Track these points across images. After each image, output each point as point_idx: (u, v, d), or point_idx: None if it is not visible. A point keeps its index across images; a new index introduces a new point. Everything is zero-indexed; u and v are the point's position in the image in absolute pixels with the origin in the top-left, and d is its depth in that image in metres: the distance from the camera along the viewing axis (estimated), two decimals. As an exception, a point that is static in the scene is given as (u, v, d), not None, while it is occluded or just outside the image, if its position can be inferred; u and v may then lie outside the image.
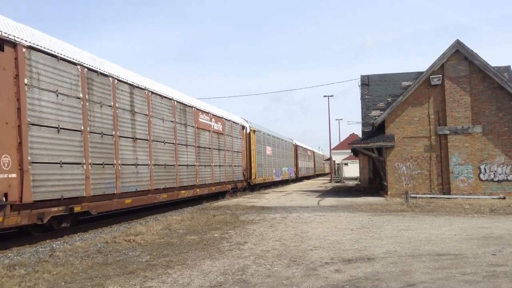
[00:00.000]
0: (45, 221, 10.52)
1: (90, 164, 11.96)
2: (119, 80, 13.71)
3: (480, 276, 6.31)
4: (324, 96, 53.46)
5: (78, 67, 11.79)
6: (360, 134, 28.95)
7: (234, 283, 6.26)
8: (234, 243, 9.49)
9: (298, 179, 50.83)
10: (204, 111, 21.34)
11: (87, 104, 12.03)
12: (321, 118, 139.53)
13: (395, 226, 11.63)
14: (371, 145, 21.80)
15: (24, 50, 9.99)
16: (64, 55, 11.34)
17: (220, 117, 23.61)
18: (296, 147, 49.55)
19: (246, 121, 28.99)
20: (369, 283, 6.07)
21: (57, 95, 10.96)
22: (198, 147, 20.04)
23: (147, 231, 11.39)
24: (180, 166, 17.84)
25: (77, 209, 11.58)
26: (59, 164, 10.83)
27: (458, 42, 20.47)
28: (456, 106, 20.59)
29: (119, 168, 13.35)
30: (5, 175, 9.28)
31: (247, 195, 26.12)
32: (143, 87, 15.28)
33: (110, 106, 13.16)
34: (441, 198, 19.56)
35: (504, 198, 18.85)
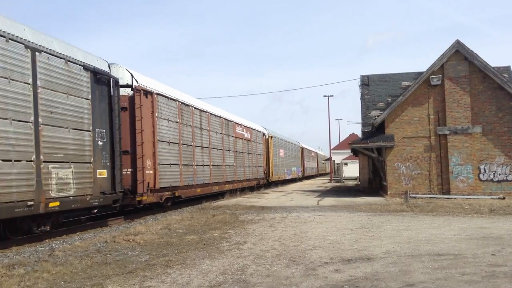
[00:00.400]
0: (162, 200, 16.48)
1: (182, 165, 18.09)
2: (194, 108, 20.09)
3: (479, 276, 6.31)
4: (324, 96, 53.45)
5: (177, 102, 18.07)
6: (360, 134, 28.96)
7: (234, 283, 6.26)
8: (234, 243, 9.49)
9: (304, 177, 55.90)
10: (238, 123, 27.14)
11: (180, 125, 18.22)
12: (321, 118, 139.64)
13: (395, 226, 11.63)
14: (371, 145, 21.81)
15: (155, 96, 16.02)
16: (171, 96, 17.61)
17: (249, 127, 29.53)
18: (302, 149, 54.42)
19: (265, 129, 34.83)
20: (368, 283, 6.07)
21: (168, 121, 17.09)
22: (236, 151, 25.90)
23: (147, 230, 11.39)
24: (225, 166, 23.91)
25: (176, 193, 17.62)
26: (169, 165, 16.86)
27: (458, 42, 20.48)
28: (456, 106, 20.59)
29: (195, 168, 19.47)
30: (149, 172, 15.21)
31: (247, 195, 26.13)
32: (206, 111, 21.51)
33: (190, 126, 19.38)
34: (440, 198, 19.56)
35: (503, 198, 18.85)
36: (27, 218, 10.30)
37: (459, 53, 20.53)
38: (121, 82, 14.12)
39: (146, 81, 15.81)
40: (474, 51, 20.41)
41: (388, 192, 21.21)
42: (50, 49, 10.74)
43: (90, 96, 12.20)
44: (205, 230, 11.52)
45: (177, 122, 17.83)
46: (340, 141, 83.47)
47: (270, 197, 23.87)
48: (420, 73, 21.92)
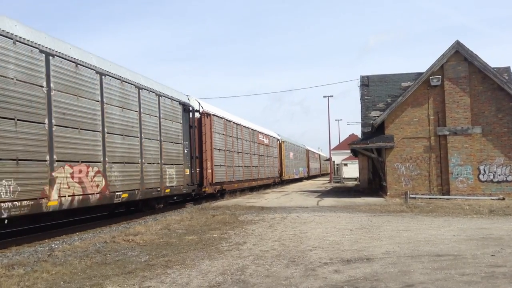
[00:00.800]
0: (215, 191, 22.68)
1: (226, 166, 24.72)
2: (233, 122, 26.61)
3: (479, 276, 6.31)
4: (324, 96, 53.31)
5: (223, 119, 24.49)
6: (359, 135, 28.95)
7: (233, 283, 6.26)
8: (233, 243, 9.48)
9: (309, 177, 62.01)
10: (260, 132, 33.52)
11: (225, 137, 24.77)
12: (322, 118, 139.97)
13: (394, 226, 11.63)
14: (371, 146, 21.81)
15: (212, 116, 22.42)
16: (220, 115, 24.02)
17: (267, 135, 35.76)
18: (307, 151, 60.72)
19: (278, 135, 41.25)
20: (368, 283, 6.07)
21: (219, 134, 23.48)
22: (259, 155, 32.46)
23: (146, 231, 11.39)
24: (252, 167, 30.57)
25: (223, 187, 24.03)
26: (219, 166, 23.28)
27: (457, 43, 20.48)
28: (455, 107, 20.60)
29: (234, 168, 26.22)
30: (209, 171, 21.46)
31: (247, 195, 26.13)
32: (239, 124, 27.91)
33: (231, 136, 25.94)
34: (440, 198, 19.57)
35: (503, 199, 18.86)
36: (154, 199, 17.00)
37: (459, 54, 20.54)
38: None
39: (206, 106, 22.37)
40: (474, 52, 20.45)
41: (388, 193, 21.21)
42: (170, 96, 18.12)
43: (181, 121, 18.99)
44: (204, 231, 11.52)
45: (223, 134, 24.41)
46: (340, 141, 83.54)
47: (269, 198, 23.87)
48: (420, 74, 21.93)
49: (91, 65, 12.78)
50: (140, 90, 15.45)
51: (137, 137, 15.09)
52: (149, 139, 15.84)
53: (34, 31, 10.83)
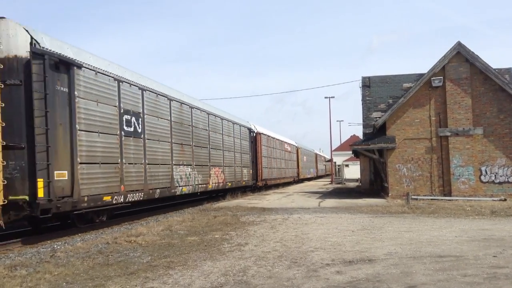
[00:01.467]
0: (262, 185, 31.72)
1: (268, 167, 33.44)
2: (272, 137, 35.47)
3: (481, 278, 6.31)
4: (325, 97, 53.31)
5: (267, 136, 33.68)
6: (361, 136, 28.96)
7: (235, 284, 6.27)
8: (235, 244, 9.49)
9: (318, 176, 71.33)
10: (285, 142, 42.68)
11: (268, 148, 33.81)
12: (323, 119, 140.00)
13: (396, 227, 11.63)
14: (372, 147, 21.81)
15: (261, 135, 32.16)
16: (265, 133, 33.50)
17: (289, 143, 44.88)
18: (316, 155, 70.66)
19: (296, 143, 49.95)
20: (370, 284, 6.08)
21: (265, 146, 32.65)
22: (284, 159, 41.29)
23: (148, 232, 11.40)
24: (281, 168, 39.44)
25: (267, 183, 32.92)
26: (265, 168, 32.40)
27: (459, 44, 20.49)
28: (457, 107, 20.60)
29: (272, 169, 34.90)
30: (260, 171, 30.91)
31: (248, 196, 26.14)
32: (275, 137, 37.00)
33: (271, 147, 34.70)
34: (442, 199, 19.56)
35: (505, 200, 18.83)
36: (238, 188, 26.26)
37: (461, 55, 20.55)
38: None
39: (259, 128, 31.89)
40: (476, 53, 20.45)
41: (389, 194, 21.20)
42: (243, 124, 28.36)
43: (248, 139, 28.81)
44: (206, 232, 11.53)
45: (267, 146, 33.45)
46: (341, 142, 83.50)
47: (271, 199, 23.87)
48: (422, 75, 21.94)
49: (185, 101, 18.85)
50: (234, 124, 26.09)
51: (232, 151, 25.25)
52: (238, 152, 26.31)
53: (109, 63, 13.40)
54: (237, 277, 6.69)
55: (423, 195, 20.55)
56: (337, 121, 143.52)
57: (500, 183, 20.25)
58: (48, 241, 11.02)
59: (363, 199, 22.04)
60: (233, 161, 25.00)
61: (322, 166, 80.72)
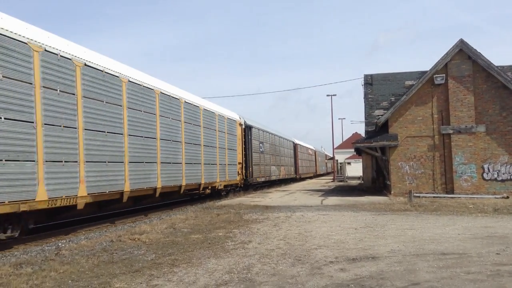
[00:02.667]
0: (299, 177, 48.65)
1: (302, 166, 51.53)
2: (305, 147, 55.38)
3: (484, 275, 6.34)
4: (327, 95, 53.30)
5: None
6: (363, 133, 28.96)
7: (240, 282, 6.30)
8: (239, 242, 9.53)
9: (326, 173, 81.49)
10: (308, 147, 56.39)
11: (301, 153, 49.13)
12: (327, 117, 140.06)
13: (399, 225, 11.65)
14: (375, 145, 21.82)
15: (297, 144, 47.79)
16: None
17: (310, 148, 58.79)
18: (325, 155, 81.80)
19: (314, 147, 62.69)
20: (374, 282, 6.11)
21: (300, 153, 48.08)
22: (308, 160, 55.70)
23: (152, 230, 11.45)
24: (306, 167, 53.91)
25: (301, 176, 50.89)
26: (301, 166, 49.97)
27: (461, 42, 20.47)
28: (459, 105, 20.59)
29: (303, 167, 52.23)
30: (298, 168, 47.77)
31: (250, 194, 26.18)
32: (304, 145, 53.46)
33: (302, 153, 52.13)
34: (444, 197, 19.57)
35: (507, 197, 18.85)
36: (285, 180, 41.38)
37: (463, 52, 20.53)
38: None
39: (296, 140, 45.88)
40: (479, 50, 20.43)
41: (392, 192, 21.22)
42: (291, 140, 45.28)
43: (292, 149, 44.26)
44: (210, 229, 11.57)
45: (300, 152, 46.97)
46: (343, 140, 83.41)
47: (273, 197, 23.90)
48: (424, 72, 21.93)
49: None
50: (288, 141, 40.66)
51: (288, 157, 40.84)
52: (289, 157, 40.71)
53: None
54: (241, 274, 6.72)
55: (426, 193, 20.56)
56: (339, 118, 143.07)
57: (502, 180, 20.24)
58: (53, 239, 11.07)
59: (366, 197, 22.06)
60: (288, 162, 41.64)
61: (328, 164, 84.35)
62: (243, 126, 26.40)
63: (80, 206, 11.30)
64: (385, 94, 25.29)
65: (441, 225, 11.58)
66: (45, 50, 10.32)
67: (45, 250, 9.40)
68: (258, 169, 29.28)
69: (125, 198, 13.31)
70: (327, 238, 9.83)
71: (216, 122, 21.70)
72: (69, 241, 10.65)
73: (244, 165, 25.75)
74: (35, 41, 10.06)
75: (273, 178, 34.26)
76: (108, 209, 14.64)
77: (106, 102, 12.60)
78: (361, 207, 16.84)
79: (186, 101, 18.37)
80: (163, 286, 6.20)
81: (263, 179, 30.58)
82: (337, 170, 65.07)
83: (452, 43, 24.93)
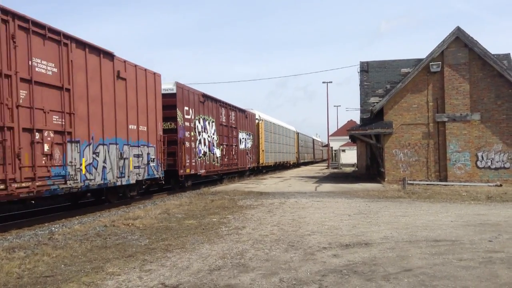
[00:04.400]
0: (297, 162, 53.18)
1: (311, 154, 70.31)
2: (304, 135, 61.92)
3: (476, 262, 6.37)
4: (323, 82, 53.37)
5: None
6: (358, 121, 28.96)
7: (233, 267, 6.31)
8: (233, 228, 9.54)
9: (321, 160, 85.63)
10: (307, 136, 63.29)
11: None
12: (323, 104, 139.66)
13: (392, 212, 11.70)
14: (369, 132, 21.83)
15: (314, 139, 75.04)
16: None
17: (310, 136, 66.49)
18: (321, 142, 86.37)
19: (311, 136, 70.10)
20: (366, 267, 6.13)
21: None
22: (319, 150, 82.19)
23: (146, 215, 11.44)
24: (315, 154, 74.21)
25: (296, 162, 52.39)
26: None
27: (458, 29, 20.39)
28: (455, 93, 20.58)
29: (313, 155, 72.40)
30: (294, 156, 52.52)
31: (245, 180, 26.21)
32: (305, 134, 63.91)
33: (315, 144, 75.20)
34: (438, 185, 19.66)
35: (500, 185, 18.96)
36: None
37: (459, 40, 20.47)
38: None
39: (315, 137, 71.42)
40: (475, 39, 20.37)
41: (386, 179, 21.29)
42: (312, 137, 72.63)
43: (313, 143, 71.51)
44: (204, 215, 11.58)
45: (313, 144, 69.61)
46: (339, 127, 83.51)
47: (268, 183, 23.94)
48: (420, 60, 21.87)
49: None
50: (314, 140, 71.71)
51: (312, 148, 68.97)
52: (312, 148, 67.27)
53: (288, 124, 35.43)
54: (234, 260, 6.73)
55: (419, 180, 20.64)
56: (334, 106, 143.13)
57: (496, 168, 20.34)
58: (46, 224, 11.04)
59: (360, 183, 22.14)
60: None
61: (319, 151, 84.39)
62: (313, 139, 48.11)
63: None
64: (381, 82, 25.24)
65: (434, 212, 11.64)
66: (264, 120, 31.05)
67: (38, 234, 9.39)
68: (301, 155, 48.89)
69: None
70: (320, 224, 9.86)
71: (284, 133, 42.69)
72: (63, 225, 10.63)
73: (313, 153, 49.40)
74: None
75: (307, 160, 55.53)
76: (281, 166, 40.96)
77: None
78: (355, 194, 16.90)
79: (280, 125, 39.37)
80: (156, 271, 6.19)
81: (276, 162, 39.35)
82: (332, 157, 65.30)
83: (448, 31, 24.85)
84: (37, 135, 10.01)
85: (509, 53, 24.19)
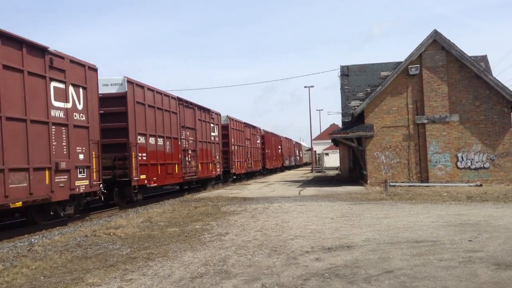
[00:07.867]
0: (283, 166, 54.83)
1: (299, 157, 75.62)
2: (295, 143, 70.10)
3: (456, 262, 6.45)
4: (305, 87, 53.67)
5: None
6: (340, 125, 29.16)
7: (215, 274, 6.28)
8: (216, 234, 9.50)
9: (298, 165, 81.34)
10: (293, 141, 64.52)
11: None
12: (307, 108, 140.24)
13: (374, 214, 11.79)
14: (351, 135, 21.99)
15: (300, 144, 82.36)
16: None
17: (295, 142, 68.97)
18: (304, 146, 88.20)
19: (296, 140, 70.31)
20: (348, 270, 6.16)
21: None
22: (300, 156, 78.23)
23: (128, 224, 11.33)
24: (300, 158, 77.70)
25: (281, 166, 53.26)
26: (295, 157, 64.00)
27: (435, 32, 20.71)
28: (433, 95, 20.88)
29: (300, 159, 78.54)
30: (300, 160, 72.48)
31: (229, 186, 26.15)
32: (297, 142, 76.67)
33: (299, 150, 78.54)
34: (419, 186, 19.88)
35: (480, 185, 19.24)
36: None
37: (437, 43, 20.79)
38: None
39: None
40: (453, 41, 20.72)
41: (368, 181, 21.45)
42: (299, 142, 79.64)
43: (298, 149, 73.77)
44: (187, 222, 11.50)
45: (299, 150, 73.60)
46: (321, 131, 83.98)
47: (252, 188, 23.93)
48: (399, 63, 22.14)
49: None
50: (299, 144, 75.16)
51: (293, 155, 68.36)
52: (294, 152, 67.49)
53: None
54: (217, 266, 6.70)
55: (401, 182, 20.85)
56: (317, 110, 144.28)
57: (476, 169, 20.65)
58: (26, 235, 10.85)
59: (343, 187, 22.26)
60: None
61: (301, 155, 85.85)
62: (296, 143, 46.90)
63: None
64: (361, 85, 25.48)
65: (416, 213, 11.76)
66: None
67: (17, 246, 9.23)
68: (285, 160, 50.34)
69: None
70: (303, 228, 9.88)
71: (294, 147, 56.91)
72: (43, 236, 10.47)
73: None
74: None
75: (292, 164, 59.05)
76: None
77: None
78: (337, 197, 16.98)
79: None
80: (138, 280, 6.13)
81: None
82: (315, 161, 65.62)
83: (426, 34, 25.21)
84: None
85: (486, 55, 24.67)
